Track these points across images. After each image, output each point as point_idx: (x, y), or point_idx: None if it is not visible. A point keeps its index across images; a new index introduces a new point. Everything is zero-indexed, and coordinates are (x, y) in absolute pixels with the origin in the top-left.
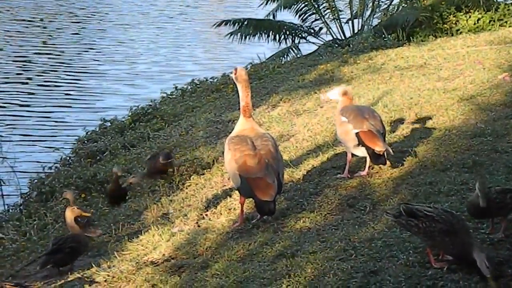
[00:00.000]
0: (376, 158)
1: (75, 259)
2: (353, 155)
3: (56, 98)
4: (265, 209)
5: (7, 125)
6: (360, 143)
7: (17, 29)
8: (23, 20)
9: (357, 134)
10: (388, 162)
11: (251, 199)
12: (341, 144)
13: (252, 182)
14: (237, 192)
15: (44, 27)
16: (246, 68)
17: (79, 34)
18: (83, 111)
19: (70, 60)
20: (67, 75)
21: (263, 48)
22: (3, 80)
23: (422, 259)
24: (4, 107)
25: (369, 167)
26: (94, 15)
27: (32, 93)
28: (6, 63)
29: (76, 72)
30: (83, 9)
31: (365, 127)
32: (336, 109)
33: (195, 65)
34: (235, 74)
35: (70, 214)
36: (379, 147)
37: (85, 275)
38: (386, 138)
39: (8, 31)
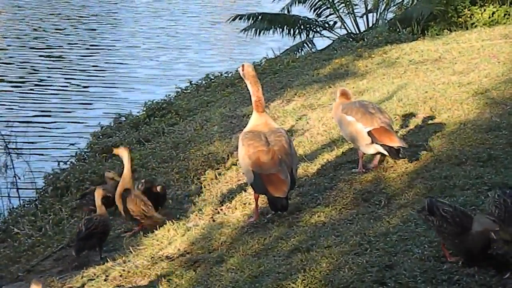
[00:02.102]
0: (395, 153)
1: (103, 242)
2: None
3: (71, 94)
4: (277, 205)
5: (22, 120)
6: (374, 141)
7: (41, 26)
8: (53, 14)
9: (369, 132)
10: (406, 156)
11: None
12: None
13: (265, 178)
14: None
15: (61, 27)
16: (260, 63)
17: (95, 30)
18: (99, 106)
19: (86, 55)
20: (81, 70)
21: (277, 43)
22: (18, 75)
23: (437, 253)
24: (19, 103)
25: (381, 160)
26: (109, 10)
27: (47, 89)
28: (22, 59)
29: (91, 67)
30: (100, 6)
31: (376, 124)
32: (335, 109)
33: (209, 60)
34: (242, 70)
35: (97, 195)
36: (396, 143)
37: (100, 270)
38: (402, 132)
39: (24, 28)
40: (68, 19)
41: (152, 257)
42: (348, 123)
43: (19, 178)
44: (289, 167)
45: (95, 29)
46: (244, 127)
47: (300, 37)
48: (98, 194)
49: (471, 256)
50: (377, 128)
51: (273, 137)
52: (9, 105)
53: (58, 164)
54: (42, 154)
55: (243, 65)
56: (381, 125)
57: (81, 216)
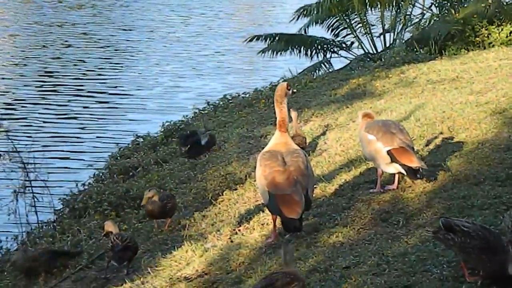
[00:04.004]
0: (413, 174)
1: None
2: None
3: (90, 115)
4: (290, 227)
5: (40, 142)
6: (393, 160)
7: (58, 49)
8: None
9: (388, 152)
10: (425, 177)
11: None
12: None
13: (279, 198)
14: None
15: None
16: (277, 83)
17: (111, 47)
18: (116, 127)
19: (105, 76)
20: (100, 91)
21: (289, 64)
22: (36, 96)
23: (456, 273)
24: (38, 124)
25: (399, 181)
26: (126, 28)
27: (65, 111)
28: (39, 80)
29: (109, 88)
30: (120, 22)
31: (396, 144)
32: (359, 129)
33: (229, 79)
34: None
35: (108, 228)
36: (414, 163)
37: None
38: (419, 152)
39: (41, 47)
40: (89, 42)
41: (171, 278)
42: (369, 142)
43: (37, 200)
44: (304, 188)
45: (112, 47)
46: (262, 147)
47: (318, 57)
48: (108, 226)
49: (497, 272)
50: (396, 148)
51: (290, 158)
52: (27, 127)
53: (76, 185)
54: (60, 175)
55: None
56: (400, 145)
57: (100, 237)
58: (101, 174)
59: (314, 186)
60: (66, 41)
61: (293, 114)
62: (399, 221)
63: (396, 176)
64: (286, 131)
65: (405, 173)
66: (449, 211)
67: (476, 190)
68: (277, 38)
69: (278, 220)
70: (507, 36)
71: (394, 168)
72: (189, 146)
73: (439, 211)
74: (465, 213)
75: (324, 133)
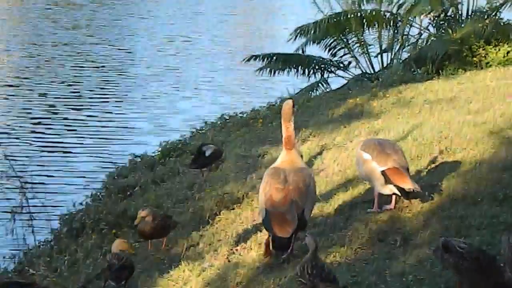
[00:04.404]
0: (405, 195)
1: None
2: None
3: (85, 136)
4: (278, 246)
5: (37, 162)
6: (387, 181)
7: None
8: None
9: (382, 172)
10: (419, 195)
11: None
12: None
13: (272, 216)
14: None
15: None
16: (275, 103)
17: (106, 68)
18: (112, 148)
19: (99, 96)
20: (98, 108)
21: (292, 82)
22: (35, 116)
23: None
24: (37, 142)
25: (397, 200)
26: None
27: (64, 128)
28: (29, 101)
29: (105, 108)
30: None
31: (390, 164)
32: (356, 148)
33: (226, 98)
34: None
35: (118, 246)
36: (407, 185)
37: None
38: (416, 172)
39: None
40: (84, 62)
41: None
42: (364, 161)
43: (35, 219)
44: (301, 208)
45: (107, 68)
46: (259, 167)
47: (315, 77)
48: (117, 244)
49: None
50: (390, 168)
51: (292, 176)
52: (26, 144)
53: (74, 205)
54: (57, 192)
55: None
56: (394, 165)
57: (97, 257)
58: (98, 193)
59: (313, 206)
60: (60, 60)
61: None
62: (396, 241)
63: (393, 196)
64: (291, 149)
65: (400, 194)
66: (446, 231)
67: (473, 210)
68: (274, 58)
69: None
70: (504, 56)
71: (389, 190)
72: (194, 156)
73: (436, 231)
74: (463, 233)
75: (321, 153)
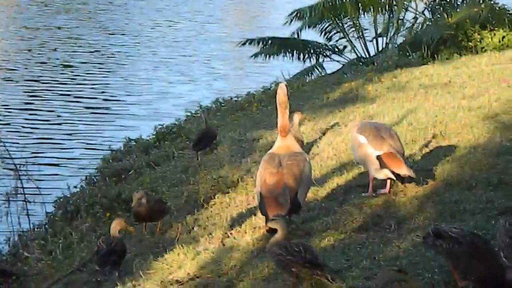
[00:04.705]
0: (401, 179)
1: (122, 261)
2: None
3: (78, 121)
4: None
5: (31, 146)
6: (382, 165)
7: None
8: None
9: (378, 156)
10: (413, 181)
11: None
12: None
13: (265, 199)
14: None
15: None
16: (270, 87)
17: (99, 52)
18: (108, 130)
19: (92, 81)
20: (91, 93)
21: (287, 66)
22: (27, 101)
23: (448, 277)
24: (28, 129)
25: (392, 185)
26: (117, 32)
27: (53, 116)
28: (22, 86)
29: (101, 89)
30: (109, 25)
31: (385, 149)
32: (352, 130)
33: (222, 82)
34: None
35: (116, 225)
36: (403, 171)
37: None
38: (411, 156)
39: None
40: (76, 46)
41: (162, 281)
42: (359, 145)
43: (29, 202)
44: (294, 191)
45: (99, 52)
46: (254, 151)
47: (310, 61)
48: (116, 224)
49: (489, 277)
50: (386, 153)
51: (286, 160)
52: (19, 129)
53: (68, 188)
54: (52, 177)
55: (278, 86)
56: (390, 150)
57: (92, 240)
58: (93, 177)
59: (307, 189)
60: (53, 45)
61: (296, 116)
62: (391, 225)
63: (388, 180)
64: (285, 135)
65: (394, 179)
66: (441, 215)
67: (468, 195)
68: (270, 42)
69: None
70: (499, 41)
71: (384, 174)
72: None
73: (431, 215)
74: (457, 217)
75: (316, 137)
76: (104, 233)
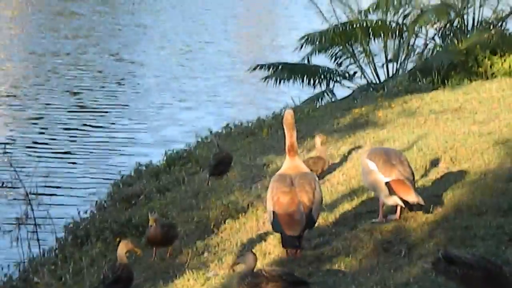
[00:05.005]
0: (410, 206)
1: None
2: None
3: (91, 142)
4: (288, 244)
5: (42, 171)
6: (391, 192)
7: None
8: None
9: (387, 183)
10: (423, 207)
11: None
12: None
13: (281, 217)
14: (271, 236)
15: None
16: (280, 112)
17: (107, 78)
18: (116, 156)
19: (99, 107)
20: (102, 117)
21: (295, 93)
22: (35, 127)
23: None
24: (41, 152)
25: (402, 211)
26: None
27: (66, 140)
28: (29, 111)
29: (113, 113)
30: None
31: (394, 176)
32: (362, 156)
33: (230, 109)
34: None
35: (123, 247)
36: (411, 198)
37: None
38: (421, 182)
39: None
40: (83, 71)
41: None
42: (369, 171)
43: (39, 227)
44: (308, 208)
45: (107, 78)
46: (264, 176)
47: (320, 86)
48: (122, 246)
49: None
50: (394, 179)
51: (298, 180)
52: (29, 155)
53: (79, 213)
54: (62, 203)
55: (284, 111)
56: (399, 177)
57: (102, 266)
58: (103, 202)
59: (319, 207)
60: (60, 71)
61: (318, 138)
62: (401, 251)
63: (398, 206)
64: (294, 156)
65: (403, 206)
66: (451, 241)
67: (478, 221)
68: (280, 67)
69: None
70: (510, 67)
71: (393, 201)
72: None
73: (441, 241)
74: (467, 243)
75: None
76: (114, 258)
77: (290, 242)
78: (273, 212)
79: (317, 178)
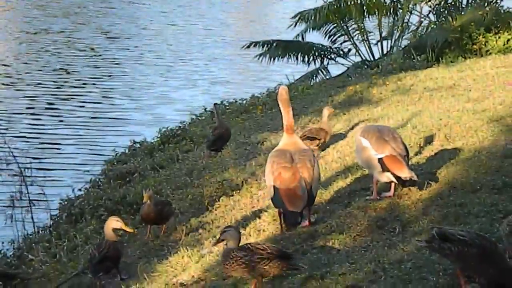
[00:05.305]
0: (402, 182)
1: (118, 264)
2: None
3: (86, 121)
4: (291, 219)
5: (35, 149)
6: (384, 169)
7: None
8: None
9: (380, 160)
10: (417, 184)
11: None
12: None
13: (282, 192)
14: (265, 213)
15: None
16: (274, 90)
17: (100, 56)
18: (110, 135)
19: (97, 82)
20: (95, 96)
21: (290, 70)
22: (29, 105)
23: (452, 281)
24: (34, 130)
25: (396, 188)
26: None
27: (61, 116)
28: (34, 88)
29: (106, 92)
30: (113, 26)
31: (387, 152)
32: (356, 133)
33: (224, 87)
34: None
35: (111, 224)
36: (404, 173)
37: None
38: (415, 159)
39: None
40: (76, 50)
41: (166, 284)
42: (362, 149)
43: (34, 205)
44: (309, 185)
45: (100, 56)
46: (259, 153)
47: (315, 64)
48: (110, 223)
49: (498, 279)
50: (387, 156)
51: (298, 156)
52: (22, 134)
53: (73, 190)
54: (56, 181)
55: (279, 88)
56: (392, 153)
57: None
58: (97, 179)
59: (318, 184)
60: (52, 49)
61: (326, 110)
62: (395, 228)
63: (392, 183)
64: (293, 133)
65: (397, 182)
66: (445, 218)
67: (472, 198)
68: (274, 44)
69: (275, 227)
70: (504, 44)
71: (386, 177)
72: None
73: (435, 218)
74: (461, 220)
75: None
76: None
77: (292, 218)
78: (274, 187)
79: (314, 155)
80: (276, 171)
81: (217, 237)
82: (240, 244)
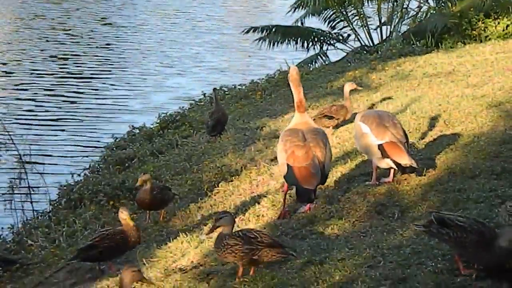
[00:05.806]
0: (402, 169)
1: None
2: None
3: (85, 106)
4: (305, 197)
5: (34, 135)
6: (384, 155)
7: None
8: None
9: (379, 146)
10: (416, 170)
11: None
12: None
13: (296, 170)
14: (265, 199)
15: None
16: (274, 75)
17: (94, 43)
18: (112, 120)
19: (101, 67)
20: (96, 82)
21: (291, 55)
22: (26, 93)
23: (451, 266)
24: (34, 115)
25: (395, 173)
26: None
27: (60, 102)
28: (34, 74)
29: (104, 79)
30: (112, 15)
31: (387, 138)
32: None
33: (218, 74)
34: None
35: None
36: (404, 160)
37: (114, 281)
38: (414, 145)
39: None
40: (69, 37)
41: (166, 269)
42: (362, 135)
43: (33, 190)
44: (321, 163)
45: (94, 44)
46: (257, 139)
47: (314, 49)
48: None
49: (496, 268)
50: (387, 142)
51: (310, 135)
52: (23, 118)
53: (72, 176)
54: (56, 165)
55: (289, 68)
56: (392, 139)
57: (95, 228)
58: (96, 165)
59: (330, 163)
60: (50, 35)
61: (348, 85)
62: (394, 214)
63: (392, 169)
64: (304, 112)
65: (396, 168)
66: (444, 204)
67: (471, 183)
68: (273, 29)
69: (274, 212)
70: (503, 30)
71: (386, 164)
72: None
73: (434, 204)
74: (460, 206)
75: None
76: (108, 222)
77: (305, 196)
78: (288, 165)
79: (326, 134)
80: (290, 149)
81: (211, 224)
82: (234, 230)
